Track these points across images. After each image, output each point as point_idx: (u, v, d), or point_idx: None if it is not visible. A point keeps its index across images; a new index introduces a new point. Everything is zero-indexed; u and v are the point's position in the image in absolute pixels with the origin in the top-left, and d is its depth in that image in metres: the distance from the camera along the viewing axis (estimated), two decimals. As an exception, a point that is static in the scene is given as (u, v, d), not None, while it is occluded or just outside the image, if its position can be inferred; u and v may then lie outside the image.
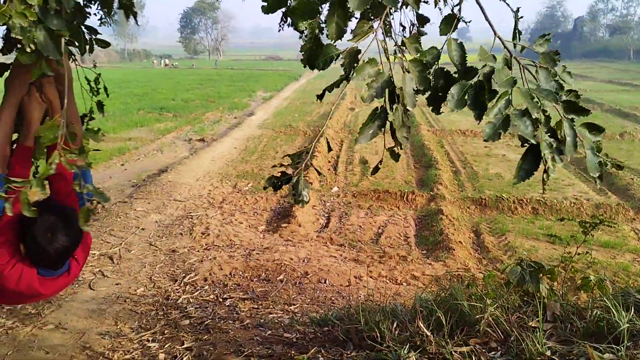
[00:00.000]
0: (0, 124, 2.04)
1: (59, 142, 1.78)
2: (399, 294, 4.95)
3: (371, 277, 5.65)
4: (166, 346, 3.77)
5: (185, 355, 3.60)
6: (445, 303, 3.26)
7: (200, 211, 7.69)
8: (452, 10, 1.87)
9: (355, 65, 1.75)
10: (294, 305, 4.66)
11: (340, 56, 1.80)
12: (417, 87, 1.79)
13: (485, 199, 8.71)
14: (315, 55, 1.86)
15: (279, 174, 2.04)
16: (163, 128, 15.16)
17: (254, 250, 6.15)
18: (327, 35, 1.78)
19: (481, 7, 1.86)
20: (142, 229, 6.71)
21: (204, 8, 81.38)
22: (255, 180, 9.80)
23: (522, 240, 7.12)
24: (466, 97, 1.79)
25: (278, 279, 5.30)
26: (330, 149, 2.47)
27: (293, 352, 3.21)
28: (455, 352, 2.74)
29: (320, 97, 2.03)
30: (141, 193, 8.52)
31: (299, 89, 29.94)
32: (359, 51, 1.78)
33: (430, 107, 1.93)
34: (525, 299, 3.28)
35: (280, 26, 8.22)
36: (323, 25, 1.84)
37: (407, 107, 1.79)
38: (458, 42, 1.82)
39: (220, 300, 4.71)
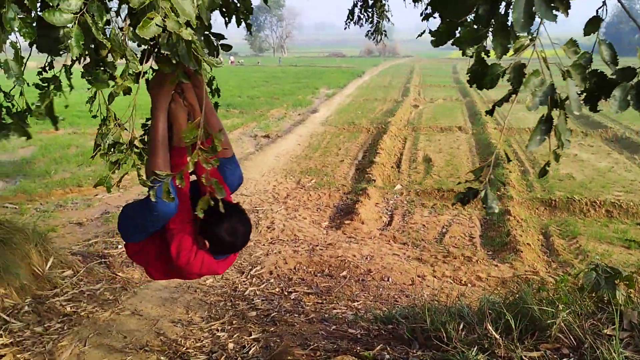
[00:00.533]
0: (158, 130, 2.30)
1: (198, 142, 1.95)
2: (463, 295, 4.88)
3: (435, 276, 5.60)
4: (234, 336, 3.90)
5: (253, 346, 3.72)
6: (515, 306, 3.20)
7: (265, 206, 7.87)
8: (596, 12, 1.95)
9: (523, 78, 1.90)
10: (357, 301, 4.69)
11: (507, 72, 1.94)
12: (579, 90, 1.92)
13: (555, 200, 8.39)
14: (481, 75, 2.00)
15: (465, 189, 2.25)
16: (230, 124, 15.57)
17: (317, 245, 6.24)
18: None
19: (623, 6, 1.94)
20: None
21: (270, 6, 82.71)
22: (318, 176, 9.91)
23: (595, 244, 6.82)
24: (629, 98, 1.88)
25: (341, 275, 5.35)
26: (509, 160, 2.59)
27: (358, 347, 3.25)
28: (525, 356, 2.69)
29: (490, 112, 2.18)
30: (209, 187, 8.81)
31: (362, 86, 29.87)
32: (523, 65, 1.91)
33: (588, 107, 2.01)
34: (599, 305, 3.16)
35: (346, 24, 8.19)
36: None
37: (574, 112, 1.91)
38: (607, 42, 1.91)
39: (286, 293, 4.82)
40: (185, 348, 3.72)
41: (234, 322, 4.17)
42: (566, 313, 2.96)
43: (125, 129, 2.41)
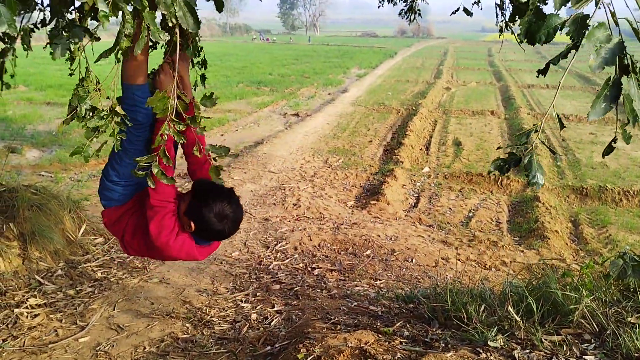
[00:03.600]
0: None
1: (168, 113, 1.88)
2: (487, 279, 4.87)
3: (459, 259, 5.58)
4: (258, 307, 3.99)
5: (275, 318, 3.81)
6: (537, 290, 3.19)
7: (292, 183, 7.93)
8: None
9: (584, 32, 1.64)
10: (380, 280, 4.73)
11: (566, 24, 1.69)
12: None
13: (586, 188, 8.23)
14: (536, 28, 1.75)
15: (506, 155, 1.94)
16: (260, 102, 15.63)
17: (342, 224, 6.28)
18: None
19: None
20: (239, 197, 7.03)
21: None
22: (346, 156, 9.91)
23: (626, 233, 6.69)
24: None
25: (365, 254, 5.39)
26: (563, 126, 2.12)
27: (378, 324, 3.29)
28: (546, 339, 2.69)
29: (543, 72, 1.91)
30: (238, 163, 8.92)
31: (394, 67, 29.52)
32: (586, 17, 1.66)
33: None
34: (625, 293, 3.12)
35: (380, 2, 8.08)
36: None
37: None
38: None
39: (309, 269, 4.89)
40: (209, 316, 3.83)
41: (257, 294, 4.26)
42: (590, 299, 2.93)
43: (108, 98, 2.22)
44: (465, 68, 28.79)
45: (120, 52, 2.04)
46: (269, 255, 5.17)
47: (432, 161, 10.02)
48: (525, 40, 1.78)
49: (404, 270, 5.08)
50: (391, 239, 5.90)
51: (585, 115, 14.34)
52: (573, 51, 1.74)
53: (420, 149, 10.88)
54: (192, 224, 2.30)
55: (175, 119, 1.89)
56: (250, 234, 5.74)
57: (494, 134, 12.22)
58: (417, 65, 30.14)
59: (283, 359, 2.68)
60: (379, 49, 44.47)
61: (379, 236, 5.91)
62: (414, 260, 5.32)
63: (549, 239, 6.23)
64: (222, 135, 11.42)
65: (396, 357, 2.54)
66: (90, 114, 2.14)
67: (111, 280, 4.30)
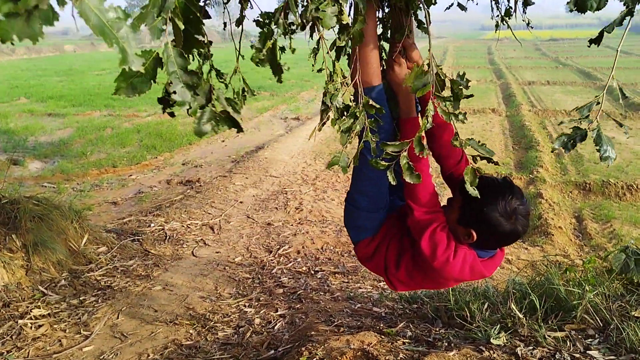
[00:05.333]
0: (368, 44, 1.93)
1: (431, 90, 1.62)
2: (491, 277, 4.86)
3: (463, 258, 5.57)
4: (261, 312, 3.99)
5: (279, 322, 3.80)
6: (540, 287, 3.18)
7: (294, 187, 7.93)
8: None
9: None
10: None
11: None
12: None
13: (589, 183, 8.19)
14: None
15: (571, 130, 1.75)
16: (260, 106, 15.65)
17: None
18: None
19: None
20: (241, 202, 7.05)
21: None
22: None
23: (630, 228, 6.65)
24: None
25: (368, 255, 5.38)
26: (625, 97, 1.90)
27: (382, 325, 3.28)
28: (549, 336, 2.68)
29: (596, 41, 1.73)
30: (240, 168, 8.92)
31: (394, 68, 29.48)
32: None
33: None
34: (629, 287, 3.11)
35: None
36: None
37: None
38: None
39: (312, 272, 4.88)
40: (213, 322, 3.83)
41: (261, 298, 4.25)
42: (593, 294, 2.92)
43: (353, 95, 1.92)
44: (465, 67, 28.75)
45: (351, 39, 1.75)
46: (272, 260, 5.17)
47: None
48: (576, 8, 1.64)
49: (407, 270, 5.06)
50: (394, 239, 5.89)
51: (586, 110, 14.29)
52: (628, 18, 1.65)
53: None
54: (473, 233, 1.89)
55: (441, 96, 1.61)
56: (253, 239, 5.74)
57: (495, 132, 12.19)
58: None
59: (286, 362, 2.67)
60: (378, 50, 44.40)
61: (381, 237, 5.90)
62: (417, 261, 5.30)
63: (553, 235, 6.21)
64: (223, 141, 11.43)
65: (399, 358, 2.54)
66: (344, 113, 1.86)
67: (114, 288, 4.31)
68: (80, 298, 4.10)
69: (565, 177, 8.75)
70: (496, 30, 3.71)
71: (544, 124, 13.03)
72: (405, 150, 1.67)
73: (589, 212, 7.32)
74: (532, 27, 4.07)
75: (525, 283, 3.31)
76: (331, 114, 1.86)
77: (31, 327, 3.60)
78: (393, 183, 1.73)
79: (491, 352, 2.55)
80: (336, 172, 8.96)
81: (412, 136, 1.72)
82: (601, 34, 1.69)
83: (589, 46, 1.76)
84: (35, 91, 17.07)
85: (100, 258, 4.77)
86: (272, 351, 3.32)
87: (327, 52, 1.81)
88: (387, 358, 2.51)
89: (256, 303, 4.17)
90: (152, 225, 5.92)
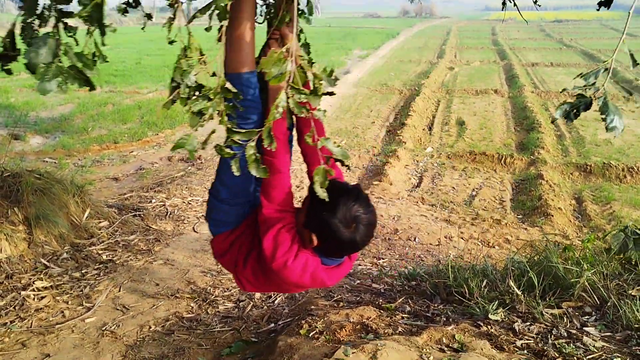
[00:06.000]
0: (242, 26, 1.83)
1: (286, 80, 1.54)
2: (490, 256, 4.89)
3: (462, 238, 5.60)
4: (262, 287, 4.03)
5: (279, 296, 3.84)
6: (539, 265, 3.21)
7: (295, 165, 7.93)
8: None
9: None
10: (383, 259, 4.76)
11: None
12: None
13: (590, 165, 8.19)
14: None
15: (575, 98, 1.64)
16: (261, 85, 15.58)
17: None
18: None
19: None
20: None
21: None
22: (348, 137, 9.89)
23: (630, 210, 6.68)
24: None
25: (368, 233, 5.40)
26: (636, 63, 1.80)
27: (381, 300, 3.32)
28: (546, 312, 2.71)
29: (606, 4, 1.66)
30: (240, 146, 8.91)
31: (397, 47, 29.27)
32: None
33: None
34: (626, 266, 3.14)
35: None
36: None
37: None
38: None
39: (312, 249, 4.91)
40: (214, 296, 3.87)
41: (261, 274, 4.29)
42: (591, 273, 2.95)
43: (214, 74, 1.76)
44: (468, 47, 28.52)
45: (217, 11, 1.62)
46: (272, 236, 5.19)
47: (435, 141, 9.99)
48: None
49: (407, 249, 5.10)
50: (394, 218, 5.92)
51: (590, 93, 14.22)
52: None
53: (423, 129, 10.84)
54: (314, 237, 1.81)
55: (295, 87, 1.54)
56: (254, 216, 5.75)
57: (497, 113, 12.15)
58: (419, 46, 29.88)
59: (286, 334, 2.71)
60: (381, 29, 44.08)
61: (381, 216, 5.93)
62: (417, 239, 5.33)
63: (553, 216, 6.23)
64: (224, 118, 11.41)
65: (397, 331, 2.57)
66: (196, 93, 1.72)
67: (116, 262, 4.34)
68: (82, 271, 4.14)
69: (566, 158, 8.75)
70: (503, 8, 3.67)
71: (547, 105, 12.97)
72: (253, 141, 1.60)
73: (589, 193, 7.34)
74: (539, 6, 4.02)
75: (524, 261, 3.33)
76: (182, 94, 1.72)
77: (34, 299, 3.64)
78: (237, 173, 1.64)
79: (489, 327, 2.58)
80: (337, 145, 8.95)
81: (277, 128, 1.69)
82: None
83: (598, 9, 1.68)
84: (35, 66, 16.93)
85: (101, 232, 4.80)
86: (272, 324, 3.36)
87: (186, 25, 1.70)
88: (386, 331, 2.55)
89: (256, 278, 4.20)
90: (154, 201, 5.94)
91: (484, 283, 3.13)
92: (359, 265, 4.52)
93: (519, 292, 2.88)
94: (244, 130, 1.62)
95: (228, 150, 1.65)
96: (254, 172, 1.60)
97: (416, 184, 7.71)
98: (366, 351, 2.21)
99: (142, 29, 2.84)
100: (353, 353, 2.20)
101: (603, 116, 1.67)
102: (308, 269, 1.84)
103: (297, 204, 2.03)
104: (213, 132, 1.92)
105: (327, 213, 1.74)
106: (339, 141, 9.58)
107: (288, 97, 1.52)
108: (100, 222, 4.97)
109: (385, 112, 12.31)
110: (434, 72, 17.83)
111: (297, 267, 1.81)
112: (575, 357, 2.31)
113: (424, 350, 2.30)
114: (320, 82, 1.58)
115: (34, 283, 3.81)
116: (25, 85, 13.65)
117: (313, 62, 2.27)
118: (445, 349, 2.38)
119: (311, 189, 1.71)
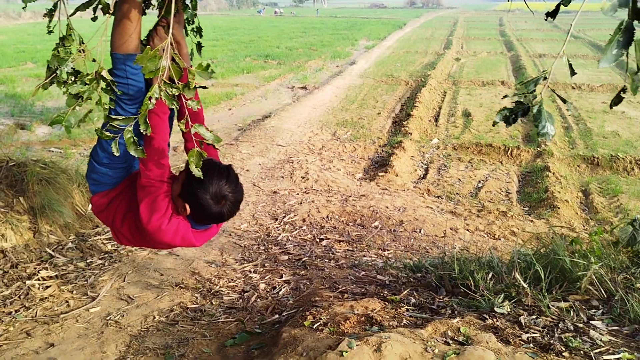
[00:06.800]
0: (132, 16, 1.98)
1: (160, 74, 1.68)
2: (496, 248, 4.87)
3: (468, 230, 5.57)
4: (266, 277, 4.02)
5: (284, 287, 3.83)
6: (546, 258, 3.17)
7: (300, 156, 7.91)
8: None
9: None
10: (388, 251, 4.74)
11: None
12: None
13: (598, 157, 8.13)
14: None
15: (513, 104, 1.73)
16: (267, 75, 15.51)
17: (350, 196, 6.27)
18: None
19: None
20: (247, 170, 7.05)
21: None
22: (354, 128, 9.85)
23: (637, 202, 6.62)
24: None
25: (373, 225, 5.39)
26: (574, 73, 1.83)
27: (386, 292, 3.30)
28: (553, 306, 2.69)
29: (552, 14, 1.73)
30: (246, 137, 8.90)
31: (403, 38, 29.09)
32: None
33: None
34: (634, 260, 3.10)
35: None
36: None
37: None
38: None
39: (317, 240, 4.90)
40: (218, 287, 3.87)
41: (266, 264, 4.28)
42: (598, 266, 2.92)
43: (94, 61, 1.95)
44: (475, 38, 28.30)
45: (100, 6, 1.83)
46: (277, 227, 5.19)
47: (441, 132, 9.93)
48: None
49: (412, 240, 5.07)
50: (399, 210, 5.89)
51: (597, 84, 14.10)
52: None
53: (429, 121, 10.77)
54: (187, 207, 2.09)
55: (168, 82, 1.70)
56: (259, 207, 5.75)
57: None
58: (426, 36, 29.68)
59: (290, 326, 2.70)
60: (387, 20, 43.81)
61: (387, 207, 5.90)
62: (422, 231, 5.31)
63: (559, 208, 6.19)
64: (230, 109, 11.37)
65: (402, 324, 2.56)
66: (72, 78, 1.90)
67: (121, 252, 4.34)
68: (87, 261, 4.14)
69: (573, 151, 8.68)
70: (507, -1, 3.60)
71: (553, 97, 12.86)
72: (131, 126, 1.77)
73: (596, 186, 7.28)
74: (547, -5, 3.97)
75: (531, 254, 3.30)
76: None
77: (39, 288, 3.65)
78: (116, 154, 1.88)
79: (494, 320, 2.56)
80: (342, 142, 8.93)
81: (159, 109, 1.93)
82: (558, 7, 1.70)
83: (545, 19, 1.74)
84: (41, 56, 16.96)
85: (106, 222, 4.79)
86: (277, 315, 3.35)
87: (68, 17, 1.88)
88: (390, 323, 2.53)
89: (261, 269, 4.20)
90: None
91: (490, 275, 3.10)
92: (364, 257, 4.50)
93: (525, 285, 2.85)
94: (123, 117, 1.82)
95: (107, 133, 1.83)
96: (132, 153, 1.80)
97: (422, 176, 7.68)
98: (370, 343, 2.19)
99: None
100: (357, 345, 2.19)
101: (536, 123, 1.76)
102: (179, 232, 2.13)
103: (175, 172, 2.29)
104: (90, 111, 2.16)
105: (201, 189, 2.03)
106: (345, 131, 9.54)
107: (161, 90, 1.68)
108: (105, 212, 4.97)
109: (391, 103, 12.25)
110: (441, 63, 17.71)
111: (169, 230, 2.09)
112: (581, 351, 2.28)
113: (429, 342, 2.29)
114: (194, 77, 1.73)
115: (39, 272, 3.82)
116: (31, 75, 13.66)
117: (202, 46, 2.63)
118: (451, 341, 2.36)
119: (187, 166, 1.94)
